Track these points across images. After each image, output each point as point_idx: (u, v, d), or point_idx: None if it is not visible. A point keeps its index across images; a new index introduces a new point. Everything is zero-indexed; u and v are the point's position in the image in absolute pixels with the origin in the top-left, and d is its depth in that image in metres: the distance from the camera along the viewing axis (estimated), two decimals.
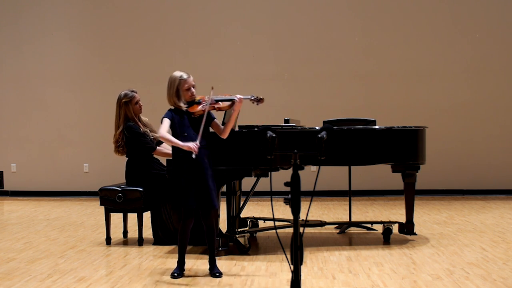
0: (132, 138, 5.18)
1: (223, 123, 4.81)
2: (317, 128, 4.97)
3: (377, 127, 5.26)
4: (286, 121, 5.16)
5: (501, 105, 8.83)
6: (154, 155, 5.26)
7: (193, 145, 3.86)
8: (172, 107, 4.09)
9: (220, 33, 9.06)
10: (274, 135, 3.04)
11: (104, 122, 9.20)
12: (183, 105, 4.04)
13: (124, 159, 5.48)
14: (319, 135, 2.96)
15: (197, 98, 4.10)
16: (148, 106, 8.52)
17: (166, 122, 4.01)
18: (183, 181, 3.98)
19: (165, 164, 5.00)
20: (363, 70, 8.91)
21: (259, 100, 4.17)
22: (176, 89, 4.03)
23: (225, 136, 4.14)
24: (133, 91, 5.32)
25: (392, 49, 8.91)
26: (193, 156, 3.82)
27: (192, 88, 4.05)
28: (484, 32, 8.85)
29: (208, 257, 4.12)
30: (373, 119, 5.64)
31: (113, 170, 8.63)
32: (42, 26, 9.32)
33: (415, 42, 8.88)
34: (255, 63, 8.99)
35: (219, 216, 4.75)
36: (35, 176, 9.32)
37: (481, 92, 8.84)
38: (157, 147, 5.23)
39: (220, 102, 4.11)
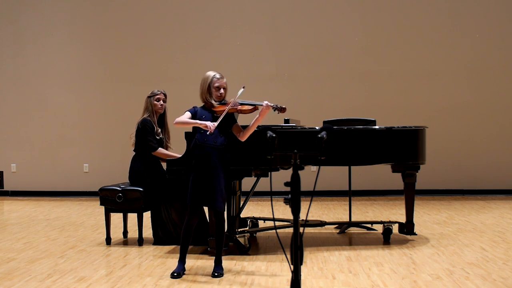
0: (141, 132, 5.20)
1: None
2: (317, 128, 4.97)
3: (377, 127, 5.25)
4: (286, 121, 5.16)
5: (501, 105, 8.83)
6: (154, 154, 5.24)
7: (210, 124, 3.92)
8: (202, 104, 4.17)
9: (220, 33, 9.07)
10: (274, 135, 3.04)
11: (104, 122, 9.22)
12: (214, 102, 4.12)
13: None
14: (319, 135, 2.96)
15: (225, 100, 4.17)
16: None
17: (186, 113, 4.09)
18: (192, 177, 4.04)
19: (165, 165, 5.01)
20: (363, 70, 8.91)
21: (281, 109, 4.11)
22: (208, 86, 4.12)
23: (243, 139, 4.16)
24: (160, 91, 5.35)
25: (392, 49, 8.91)
26: (208, 133, 3.91)
27: (221, 89, 4.12)
28: (484, 32, 8.85)
29: (211, 255, 4.13)
30: (373, 119, 5.64)
31: (113, 170, 8.67)
32: (42, 26, 9.32)
33: (415, 42, 8.89)
34: (255, 63, 9.00)
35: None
36: (35, 176, 9.33)
37: (481, 92, 8.84)
38: (159, 149, 5.23)
39: (243, 105, 4.13)
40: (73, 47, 9.35)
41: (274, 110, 4.11)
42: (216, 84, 4.11)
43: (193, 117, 4.07)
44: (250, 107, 4.13)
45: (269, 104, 4.03)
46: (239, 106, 4.10)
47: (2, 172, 9.44)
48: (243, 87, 4.09)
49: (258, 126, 4.70)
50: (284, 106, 4.11)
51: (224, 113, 4.01)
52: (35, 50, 9.35)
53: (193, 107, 4.17)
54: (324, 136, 2.96)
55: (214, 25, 9.08)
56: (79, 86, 9.29)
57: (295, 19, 9.02)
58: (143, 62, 9.12)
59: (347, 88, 8.91)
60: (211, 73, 4.15)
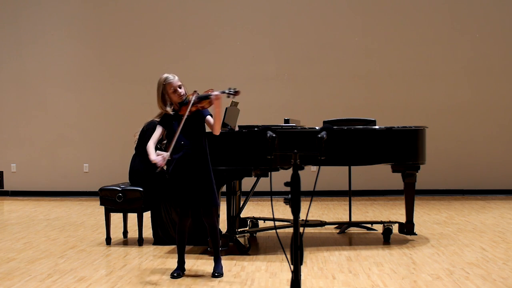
0: (145, 134, 5.19)
1: (224, 124, 4.82)
2: (317, 128, 4.97)
3: (377, 127, 5.25)
4: (286, 121, 5.16)
5: (501, 105, 8.83)
6: None
7: (158, 160, 3.79)
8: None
9: (220, 33, 9.07)
10: (274, 135, 3.04)
11: (104, 122, 9.22)
12: (169, 110, 4.00)
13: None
14: (319, 135, 2.96)
15: (188, 96, 4.00)
16: (147, 106, 8.54)
17: (157, 131, 4.00)
18: (176, 181, 4.01)
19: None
20: (363, 70, 8.91)
21: (234, 93, 3.91)
22: (162, 94, 3.99)
23: (216, 133, 4.01)
24: None
25: (392, 49, 8.91)
26: (157, 170, 3.79)
27: (178, 89, 3.97)
28: (484, 32, 8.85)
29: (211, 255, 4.12)
30: (373, 119, 5.65)
31: (113, 170, 8.67)
32: (42, 26, 9.32)
33: (415, 42, 8.89)
34: (255, 63, 9.00)
35: (219, 216, 4.75)
36: (35, 176, 9.33)
37: (481, 92, 8.84)
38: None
39: (202, 101, 3.94)
40: (72, 47, 9.35)
41: (228, 97, 3.92)
42: (171, 89, 3.95)
43: (165, 130, 3.99)
44: (207, 101, 3.92)
45: (217, 93, 3.85)
46: (199, 104, 3.93)
47: (2, 172, 9.44)
48: (195, 91, 3.95)
49: (258, 126, 4.71)
50: (236, 90, 3.91)
51: (183, 120, 3.86)
52: (35, 50, 9.34)
53: (162, 116, 4.03)
54: (324, 136, 2.96)
55: (214, 25, 9.08)
56: (79, 86, 9.29)
57: (295, 19, 9.02)
58: (143, 62, 9.11)
59: (347, 88, 8.91)
60: (161, 79, 3.97)
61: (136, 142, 5.34)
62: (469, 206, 7.49)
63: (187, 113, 3.88)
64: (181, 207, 4.02)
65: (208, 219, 4.06)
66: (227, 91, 3.90)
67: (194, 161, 3.98)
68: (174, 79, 3.98)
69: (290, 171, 2.80)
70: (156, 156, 3.85)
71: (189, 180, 3.97)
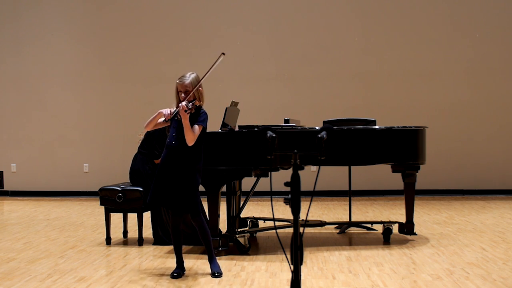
0: (151, 136, 5.17)
1: (224, 124, 4.83)
2: (317, 128, 4.97)
3: (377, 127, 5.25)
4: (286, 121, 5.16)
5: (501, 105, 8.83)
6: (156, 162, 5.24)
7: (165, 110, 3.92)
8: None
9: (220, 33, 9.06)
10: (274, 135, 3.04)
11: (104, 122, 9.22)
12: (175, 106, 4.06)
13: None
14: (319, 135, 2.96)
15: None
16: (147, 106, 8.56)
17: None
18: (159, 180, 4.01)
19: None
20: (363, 70, 8.91)
21: (189, 109, 3.90)
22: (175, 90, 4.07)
23: (188, 143, 3.93)
24: None
25: (392, 49, 8.91)
26: (162, 119, 3.92)
27: (183, 94, 3.98)
28: (484, 32, 8.85)
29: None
30: (373, 119, 5.65)
31: (113, 170, 8.67)
32: (42, 26, 9.32)
33: (415, 42, 8.88)
34: (255, 63, 8.99)
35: (219, 216, 4.75)
36: (35, 176, 9.33)
37: (481, 92, 8.84)
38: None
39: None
40: (73, 47, 9.34)
41: (185, 111, 3.88)
42: (177, 89, 4.02)
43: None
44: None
45: (183, 104, 3.87)
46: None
47: (2, 172, 9.44)
48: (223, 54, 3.93)
49: (258, 126, 4.71)
50: (189, 106, 3.89)
51: (175, 111, 3.91)
52: (35, 50, 9.34)
53: None
54: (324, 136, 2.96)
55: (214, 25, 9.08)
56: (79, 86, 9.29)
57: (295, 19, 9.02)
58: (143, 62, 9.11)
59: (347, 88, 8.91)
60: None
61: (141, 141, 5.33)
62: (469, 206, 7.49)
63: (179, 107, 3.92)
64: (171, 208, 4.02)
65: (194, 221, 4.06)
66: (189, 104, 3.91)
67: (177, 162, 3.96)
68: (183, 82, 3.99)
69: (290, 171, 2.80)
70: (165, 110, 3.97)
71: (170, 180, 3.96)
